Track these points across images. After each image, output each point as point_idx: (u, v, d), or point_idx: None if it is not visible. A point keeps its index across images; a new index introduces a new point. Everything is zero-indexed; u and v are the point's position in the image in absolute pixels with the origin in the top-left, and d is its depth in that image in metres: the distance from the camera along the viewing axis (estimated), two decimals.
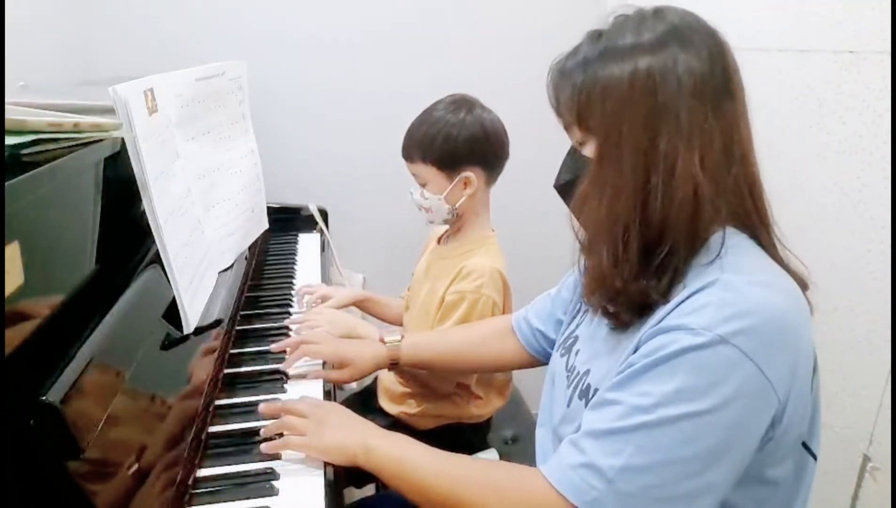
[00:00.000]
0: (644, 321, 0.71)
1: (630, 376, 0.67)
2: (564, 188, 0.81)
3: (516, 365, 1.12)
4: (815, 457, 0.73)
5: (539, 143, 1.43)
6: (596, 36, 0.72)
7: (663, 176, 0.67)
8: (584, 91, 0.71)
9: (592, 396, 0.76)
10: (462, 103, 1.22)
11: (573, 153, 0.79)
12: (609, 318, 0.76)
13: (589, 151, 0.74)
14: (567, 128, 0.77)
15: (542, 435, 0.91)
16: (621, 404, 0.66)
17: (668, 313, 0.67)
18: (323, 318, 1.21)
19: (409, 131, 1.24)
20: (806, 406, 0.69)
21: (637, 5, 0.74)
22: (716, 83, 0.69)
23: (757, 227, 0.72)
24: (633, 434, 0.64)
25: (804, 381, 0.68)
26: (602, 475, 0.64)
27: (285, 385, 1.02)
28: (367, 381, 1.38)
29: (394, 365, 1.12)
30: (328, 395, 0.99)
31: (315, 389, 1.01)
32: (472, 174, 1.21)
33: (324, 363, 1.08)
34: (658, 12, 0.71)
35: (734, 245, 0.69)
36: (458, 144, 1.19)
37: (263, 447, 0.85)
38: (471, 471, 0.77)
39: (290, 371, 1.05)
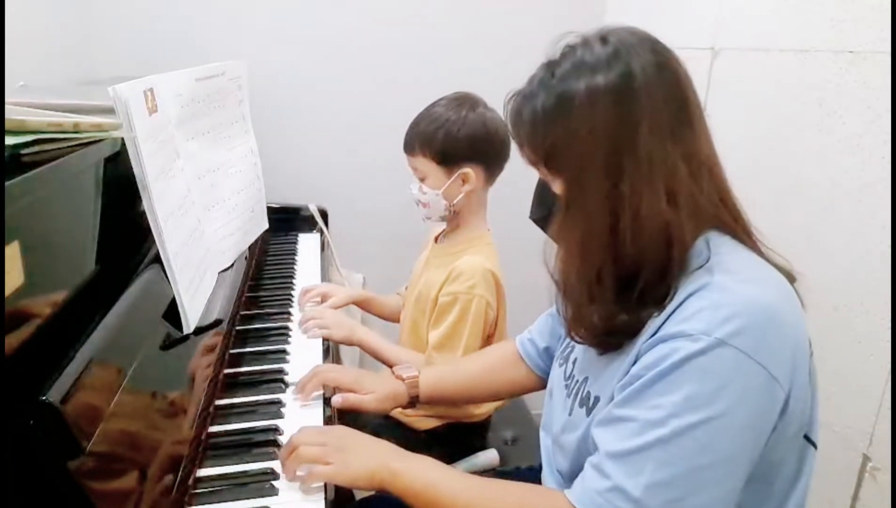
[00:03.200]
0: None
1: (638, 389, 0.67)
2: (541, 222, 0.83)
3: (529, 389, 1.11)
4: (815, 446, 0.74)
5: None
6: (549, 76, 0.73)
7: (630, 217, 0.68)
8: (548, 139, 0.72)
9: (594, 404, 0.76)
10: (465, 100, 1.23)
11: (544, 185, 0.80)
12: (600, 348, 0.77)
13: (557, 188, 0.76)
14: (532, 164, 0.78)
15: (544, 438, 0.93)
16: (634, 420, 0.66)
17: (665, 322, 0.68)
18: (327, 318, 1.22)
19: (412, 125, 1.24)
20: (806, 393, 0.70)
21: (589, 31, 0.74)
22: (671, 117, 0.69)
23: (736, 231, 0.74)
24: (650, 451, 0.64)
25: (803, 368, 0.68)
26: (628, 495, 0.64)
27: (285, 386, 1.01)
28: None
29: (413, 401, 1.07)
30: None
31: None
32: (470, 171, 1.21)
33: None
34: (608, 45, 0.70)
35: (718, 246, 0.71)
36: (458, 140, 1.19)
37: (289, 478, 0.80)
38: (501, 497, 0.76)
39: (306, 401, 0.98)
